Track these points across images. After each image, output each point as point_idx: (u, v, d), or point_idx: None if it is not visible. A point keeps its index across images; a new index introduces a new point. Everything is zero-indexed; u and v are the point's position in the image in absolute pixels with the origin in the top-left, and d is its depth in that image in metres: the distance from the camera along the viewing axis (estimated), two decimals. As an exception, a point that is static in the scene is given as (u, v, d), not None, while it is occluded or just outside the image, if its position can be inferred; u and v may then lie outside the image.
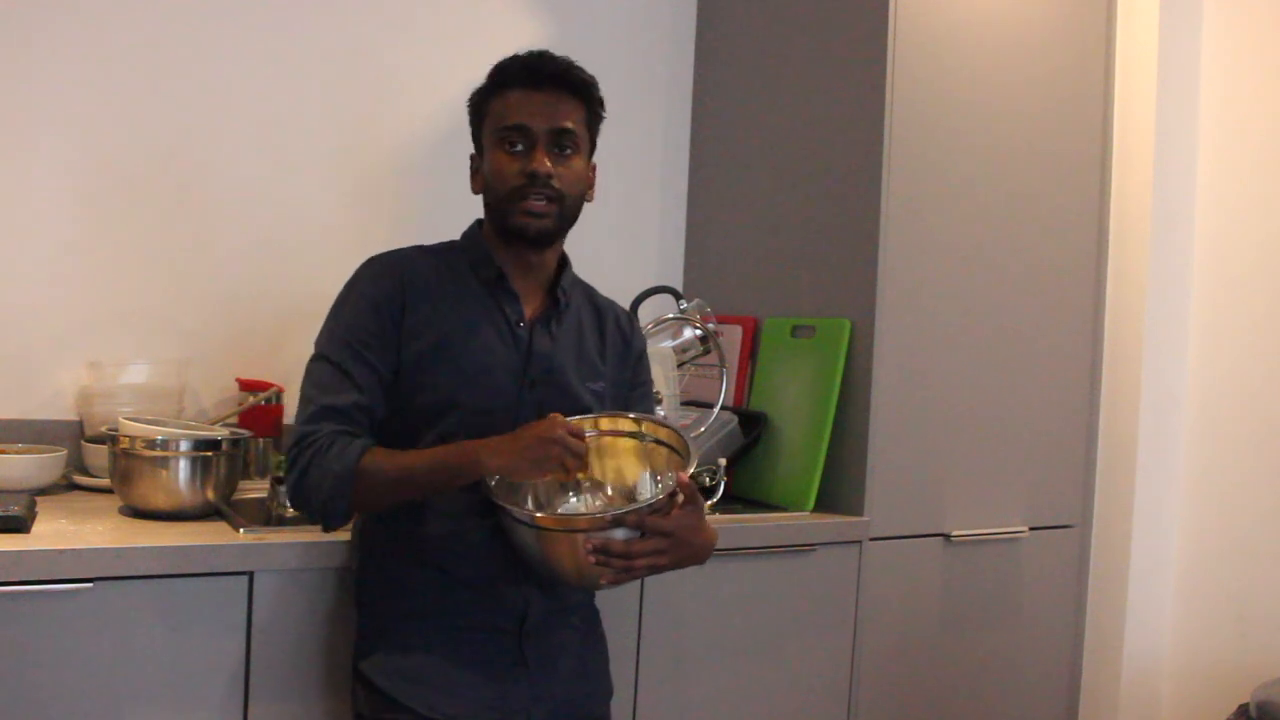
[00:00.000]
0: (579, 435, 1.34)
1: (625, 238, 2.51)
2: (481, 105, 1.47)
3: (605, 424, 1.47)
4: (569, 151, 1.43)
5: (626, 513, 1.29)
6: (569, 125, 1.42)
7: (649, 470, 1.46)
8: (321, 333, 1.44)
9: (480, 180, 1.48)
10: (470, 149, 1.52)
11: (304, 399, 1.40)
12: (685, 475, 1.33)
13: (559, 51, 1.46)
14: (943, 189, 2.14)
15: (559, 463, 1.33)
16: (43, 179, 1.92)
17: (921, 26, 2.09)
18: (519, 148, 1.41)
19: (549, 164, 1.40)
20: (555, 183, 1.41)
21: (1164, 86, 2.41)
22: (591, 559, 1.27)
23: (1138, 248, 2.41)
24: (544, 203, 1.41)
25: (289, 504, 1.49)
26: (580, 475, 1.40)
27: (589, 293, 1.59)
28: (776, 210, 2.29)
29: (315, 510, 1.36)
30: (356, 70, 2.19)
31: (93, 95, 1.95)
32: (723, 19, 2.52)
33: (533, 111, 1.41)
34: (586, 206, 1.51)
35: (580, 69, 1.46)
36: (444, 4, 2.28)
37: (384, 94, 2.22)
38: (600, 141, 1.52)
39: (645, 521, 1.29)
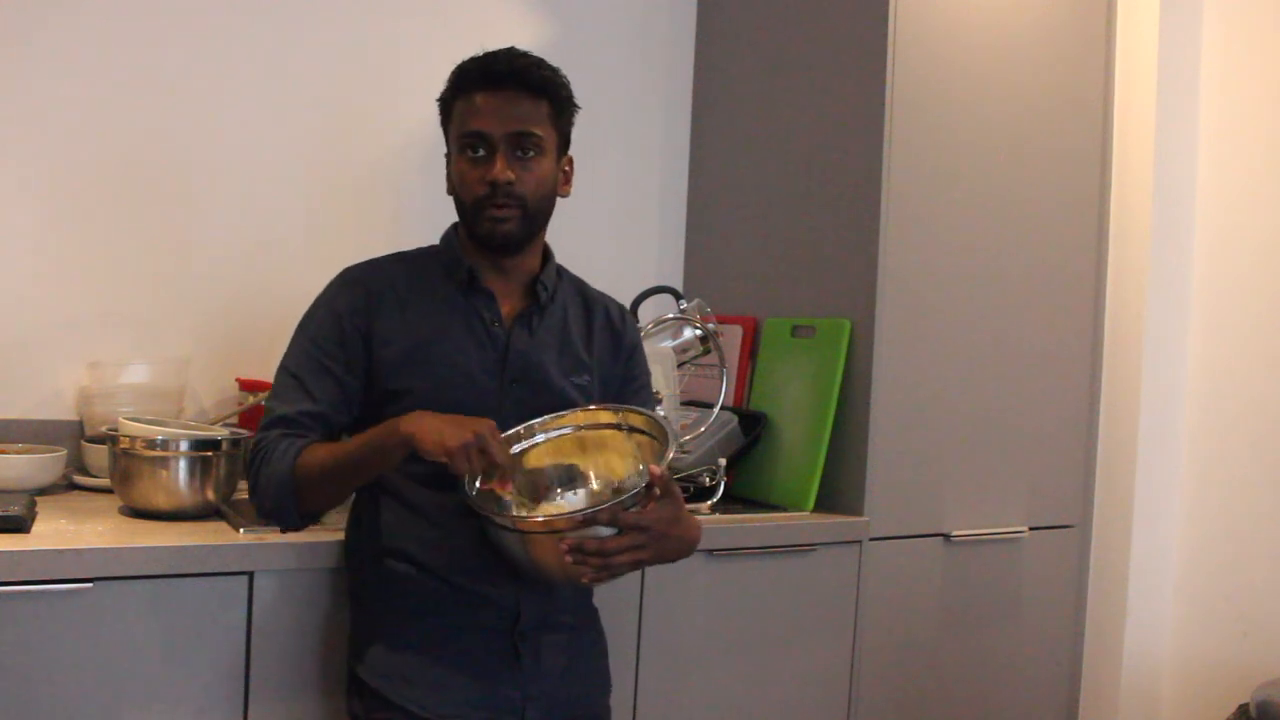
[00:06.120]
0: (504, 448, 1.32)
1: (625, 237, 2.51)
2: (447, 107, 1.46)
3: (583, 418, 1.46)
4: (531, 154, 1.42)
5: (597, 510, 1.28)
6: (530, 129, 1.41)
7: (637, 462, 1.45)
8: (289, 346, 1.46)
9: (451, 183, 1.48)
10: None
11: (264, 411, 1.44)
12: (657, 468, 1.31)
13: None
14: (942, 189, 2.14)
15: (468, 450, 1.26)
16: (42, 181, 1.92)
17: (921, 26, 2.09)
18: (480, 154, 1.41)
19: (510, 172, 1.40)
20: (517, 188, 1.40)
21: (1164, 86, 2.41)
22: (569, 559, 1.27)
23: (1138, 248, 2.41)
24: (507, 209, 1.41)
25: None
26: (498, 489, 1.36)
27: (580, 287, 1.59)
28: (776, 210, 2.29)
29: (271, 514, 1.40)
30: (354, 71, 2.19)
31: (91, 96, 1.95)
32: (723, 19, 2.51)
33: (491, 116, 1.39)
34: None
35: (542, 65, 1.43)
36: (441, 5, 2.27)
37: (381, 95, 2.22)
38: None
39: (619, 517, 1.28)
